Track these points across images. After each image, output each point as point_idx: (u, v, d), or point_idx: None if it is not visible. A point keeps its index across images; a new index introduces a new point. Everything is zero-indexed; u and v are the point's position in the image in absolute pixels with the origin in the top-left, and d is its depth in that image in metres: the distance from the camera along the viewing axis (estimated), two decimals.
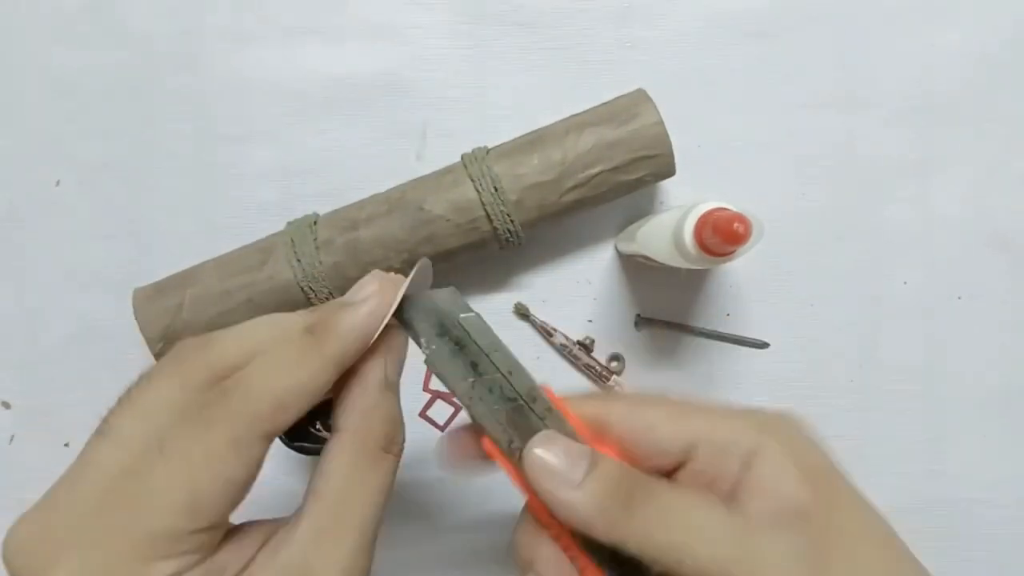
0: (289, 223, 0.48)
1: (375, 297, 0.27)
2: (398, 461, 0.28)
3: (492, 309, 0.52)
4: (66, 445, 0.52)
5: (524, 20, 0.52)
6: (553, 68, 0.52)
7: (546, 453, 0.26)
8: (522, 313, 0.52)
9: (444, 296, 0.29)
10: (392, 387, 0.28)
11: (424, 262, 0.30)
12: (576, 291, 0.52)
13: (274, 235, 0.48)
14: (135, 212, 0.52)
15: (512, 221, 0.46)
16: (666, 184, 0.51)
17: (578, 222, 0.51)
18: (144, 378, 0.25)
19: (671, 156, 0.46)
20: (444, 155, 0.49)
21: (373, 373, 0.28)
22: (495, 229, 0.46)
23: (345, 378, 0.28)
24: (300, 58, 0.52)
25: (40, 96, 0.52)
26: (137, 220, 0.52)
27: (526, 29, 0.52)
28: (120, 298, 0.48)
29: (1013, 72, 0.52)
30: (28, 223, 0.52)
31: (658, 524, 0.25)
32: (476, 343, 0.28)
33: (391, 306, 0.28)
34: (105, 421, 0.24)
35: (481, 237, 0.46)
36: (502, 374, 0.28)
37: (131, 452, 0.23)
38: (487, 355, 0.28)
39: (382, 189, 0.48)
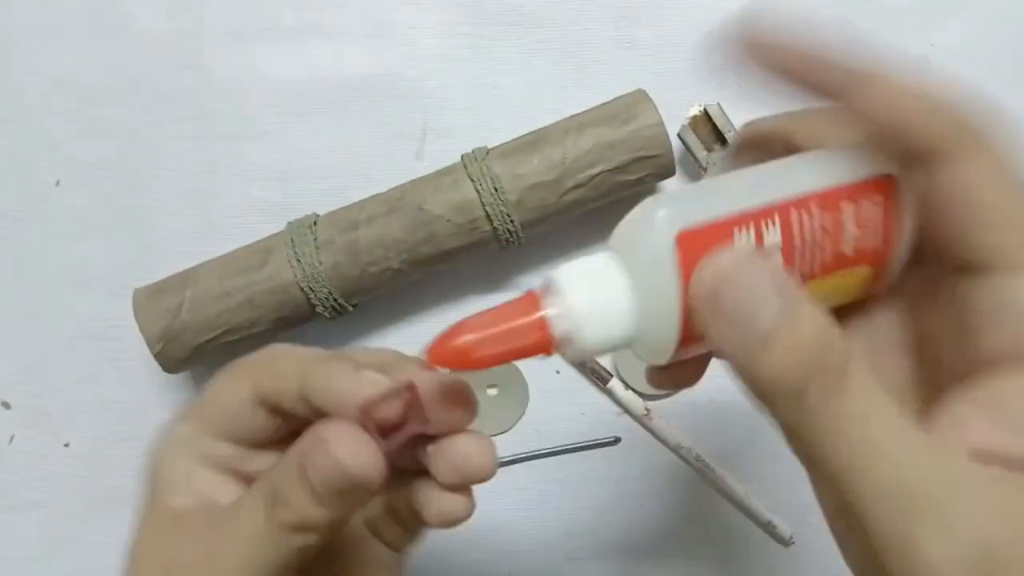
0: (289, 223, 0.48)
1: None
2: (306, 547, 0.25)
3: None
4: (66, 445, 0.52)
5: (524, 20, 0.52)
6: (553, 68, 0.52)
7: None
8: None
9: None
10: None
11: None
12: None
13: (274, 235, 0.48)
14: (135, 212, 0.52)
15: (512, 221, 0.46)
16: (666, 184, 0.51)
17: (578, 222, 0.51)
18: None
19: (671, 156, 0.46)
20: (444, 155, 0.49)
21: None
22: (495, 229, 0.46)
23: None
24: (300, 58, 0.52)
25: (40, 96, 0.52)
26: (137, 220, 0.52)
27: (526, 29, 0.52)
28: (120, 298, 0.48)
29: (1014, 72, 0.52)
30: (28, 223, 0.52)
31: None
32: None
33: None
34: None
35: (481, 237, 0.46)
36: None
37: None
38: None
39: (382, 189, 0.48)
